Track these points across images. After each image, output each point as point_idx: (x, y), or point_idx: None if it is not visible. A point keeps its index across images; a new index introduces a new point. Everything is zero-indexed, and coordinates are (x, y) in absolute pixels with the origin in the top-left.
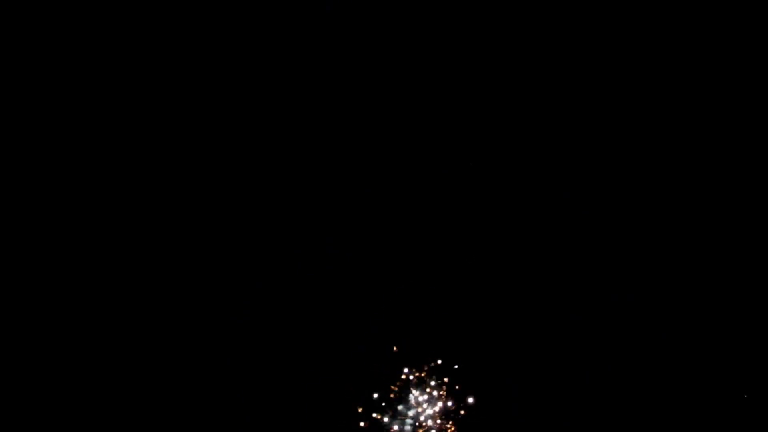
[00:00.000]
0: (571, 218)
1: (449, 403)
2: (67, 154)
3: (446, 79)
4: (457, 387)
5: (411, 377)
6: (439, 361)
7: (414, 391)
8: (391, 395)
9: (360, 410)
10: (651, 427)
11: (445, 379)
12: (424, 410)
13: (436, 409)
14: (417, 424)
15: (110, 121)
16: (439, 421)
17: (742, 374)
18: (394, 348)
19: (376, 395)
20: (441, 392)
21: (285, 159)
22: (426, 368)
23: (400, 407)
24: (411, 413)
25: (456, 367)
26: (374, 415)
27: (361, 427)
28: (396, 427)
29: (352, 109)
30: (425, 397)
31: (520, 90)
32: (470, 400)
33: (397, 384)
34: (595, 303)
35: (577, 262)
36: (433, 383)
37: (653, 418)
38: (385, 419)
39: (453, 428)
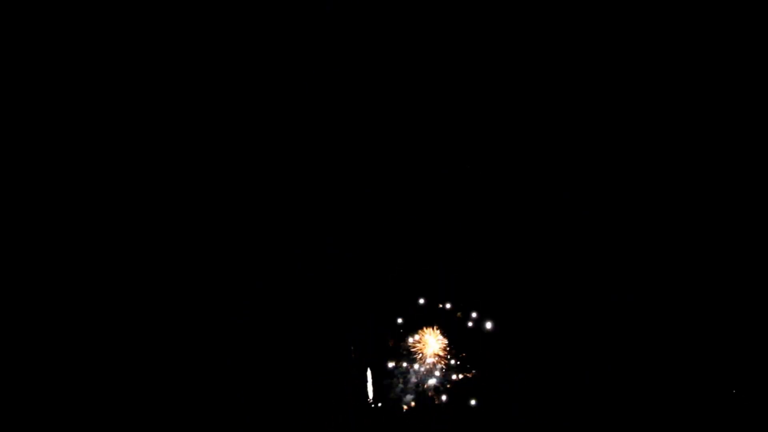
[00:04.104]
0: (571, 218)
1: (448, 405)
2: (67, 154)
3: (446, 79)
4: (455, 389)
5: (410, 377)
6: (438, 360)
7: (412, 390)
8: (388, 395)
9: (358, 409)
10: (651, 427)
11: (444, 380)
12: (422, 412)
13: (436, 410)
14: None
15: (110, 122)
16: (436, 420)
17: (742, 374)
18: (391, 344)
19: (373, 394)
20: (439, 393)
21: (285, 159)
22: (424, 368)
23: (397, 406)
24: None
25: (455, 366)
26: (370, 413)
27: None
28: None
29: (351, 109)
30: (423, 397)
31: (519, 90)
32: (471, 402)
33: (396, 383)
34: (595, 303)
35: (577, 262)
36: (431, 383)
37: (653, 418)
38: (382, 419)
39: (452, 429)
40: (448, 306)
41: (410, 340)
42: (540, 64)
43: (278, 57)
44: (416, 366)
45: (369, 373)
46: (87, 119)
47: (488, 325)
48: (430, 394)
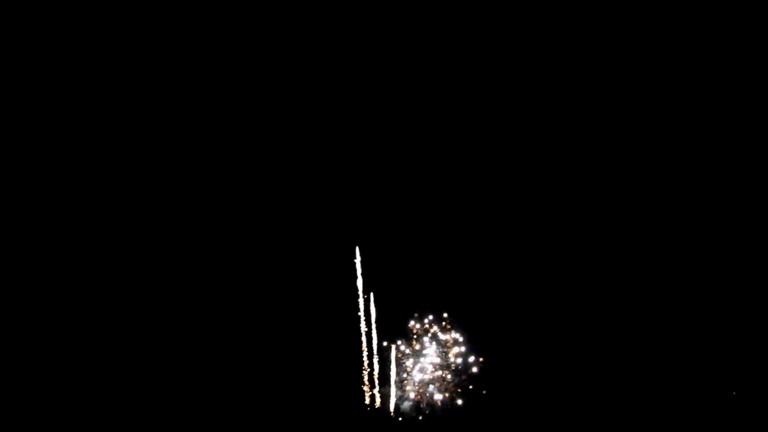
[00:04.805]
0: (571, 218)
1: (446, 406)
2: (67, 154)
3: (447, 80)
4: (454, 391)
5: (408, 385)
6: (436, 362)
7: (412, 388)
8: (389, 393)
9: (358, 407)
10: (651, 427)
11: (444, 388)
12: (424, 409)
13: (437, 410)
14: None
15: (111, 122)
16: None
17: (742, 374)
18: (388, 345)
19: (373, 393)
20: (437, 393)
21: (285, 159)
22: (423, 375)
23: (399, 405)
24: (410, 409)
25: (453, 365)
26: (370, 410)
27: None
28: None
29: (351, 109)
30: (423, 395)
31: (519, 91)
32: (470, 403)
33: (396, 382)
34: (595, 303)
35: (578, 262)
36: (429, 382)
37: (653, 418)
38: (382, 418)
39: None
40: (446, 313)
41: (409, 346)
42: (540, 66)
43: (278, 57)
44: (415, 373)
45: (368, 378)
46: (87, 119)
47: (489, 328)
48: (427, 400)
